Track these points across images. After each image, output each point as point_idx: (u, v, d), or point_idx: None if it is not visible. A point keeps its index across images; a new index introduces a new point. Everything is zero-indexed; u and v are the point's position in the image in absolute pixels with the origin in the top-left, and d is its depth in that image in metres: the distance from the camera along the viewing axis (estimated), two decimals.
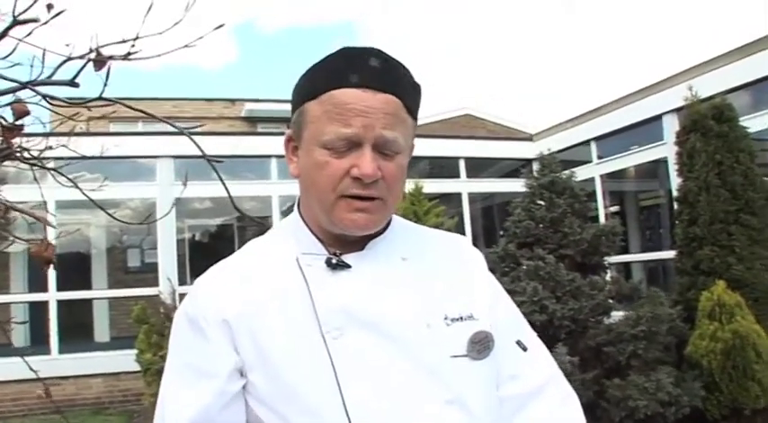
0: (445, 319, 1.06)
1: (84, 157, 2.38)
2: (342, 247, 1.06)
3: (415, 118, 1.09)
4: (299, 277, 1.04)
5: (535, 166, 5.12)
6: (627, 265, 9.23)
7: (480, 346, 1.07)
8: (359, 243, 1.07)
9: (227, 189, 1.83)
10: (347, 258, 1.05)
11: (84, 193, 2.12)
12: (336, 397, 0.97)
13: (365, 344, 1.00)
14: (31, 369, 2.21)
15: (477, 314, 1.09)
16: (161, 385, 1.06)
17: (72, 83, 1.46)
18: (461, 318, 1.07)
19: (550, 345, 4.25)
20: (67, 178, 2.13)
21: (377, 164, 1.00)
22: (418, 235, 1.19)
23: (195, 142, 1.86)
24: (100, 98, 1.51)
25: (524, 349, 1.16)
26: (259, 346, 1.00)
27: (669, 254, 6.43)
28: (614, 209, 10.83)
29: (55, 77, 1.47)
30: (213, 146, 2.27)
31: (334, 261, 1.04)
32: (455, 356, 1.04)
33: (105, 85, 1.48)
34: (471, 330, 1.07)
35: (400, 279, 1.07)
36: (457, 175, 10.13)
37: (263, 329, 1.01)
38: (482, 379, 1.07)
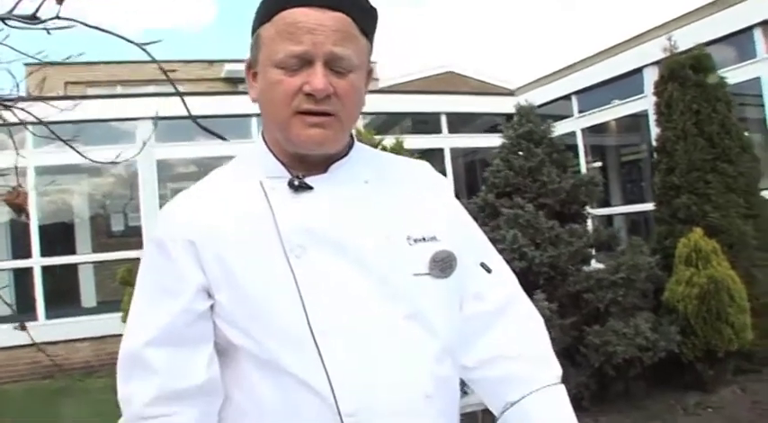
0: (408, 239, 1.09)
1: (49, 123, 2.34)
2: (305, 169, 1.08)
3: (370, 40, 1.09)
4: (262, 200, 1.06)
5: (515, 119, 5.13)
6: (609, 217, 9.35)
7: (443, 264, 1.10)
8: (321, 166, 1.09)
9: (185, 104, 1.82)
10: (310, 180, 1.07)
11: (63, 141, 2.11)
12: (300, 313, 1.00)
13: (327, 261, 1.03)
14: (31, 337, 2.22)
15: (440, 236, 1.12)
16: (129, 310, 1.09)
17: (32, 17, 1.45)
18: (424, 238, 1.10)
19: (530, 291, 4.29)
20: (48, 128, 2.11)
21: (328, 80, 1.01)
22: (382, 160, 1.22)
23: (184, 102, 1.86)
24: (57, 18, 1.50)
25: (488, 271, 1.19)
26: (224, 265, 1.03)
27: (650, 206, 6.52)
28: (596, 164, 10.90)
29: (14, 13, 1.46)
30: (196, 106, 2.26)
31: (296, 183, 1.06)
32: (417, 274, 1.07)
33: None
34: (434, 250, 1.10)
35: (363, 201, 1.09)
36: (439, 131, 10.14)
37: (228, 249, 1.03)
38: (443, 297, 1.10)
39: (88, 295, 10.22)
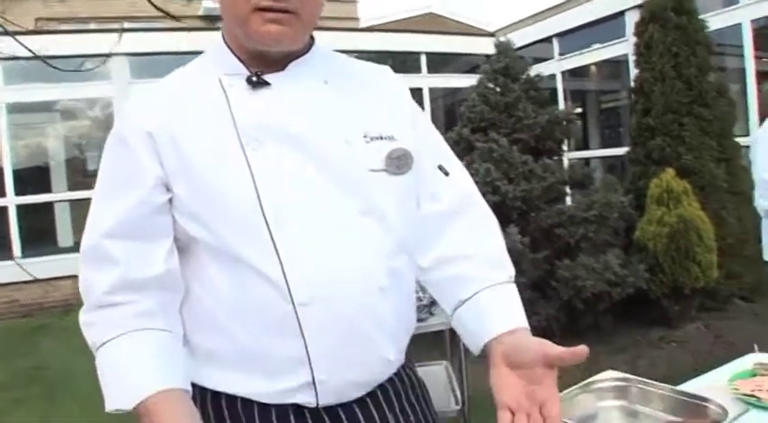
0: (365, 136, 1.10)
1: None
2: (263, 67, 1.09)
3: None
4: (221, 96, 1.08)
5: (493, 55, 5.10)
6: (587, 161, 9.42)
7: (398, 161, 1.11)
8: (280, 63, 1.10)
9: None
10: (268, 77, 1.08)
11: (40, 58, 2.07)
12: (255, 204, 1.02)
13: (283, 155, 1.05)
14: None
15: (397, 136, 1.13)
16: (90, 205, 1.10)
17: None
18: (381, 137, 1.12)
19: (503, 225, 4.37)
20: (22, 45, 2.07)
21: None
22: (343, 61, 1.22)
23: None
24: None
25: (446, 174, 1.21)
26: (182, 157, 1.04)
27: (626, 149, 6.58)
28: (576, 110, 10.92)
29: None
30: (172, 42, 2.21)
31: (254, 79, 1.07)
32: (373, 170, 1.09)
33: None
34: (390, 147, 1.12)
35: (321, 98, 1.10)
36: (418, 71, 10.06)
37: (186, 142, 1.04)
38: (399, 193, 1.12)
39: (65, 234, 10.15)
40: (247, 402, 1.09)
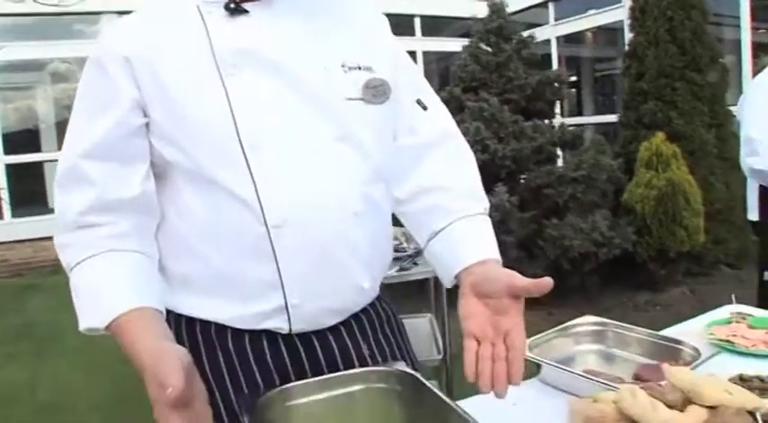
0: (343, 66, 1.10)
1: None
2: None
3: None
4: (199, 23, 1.06)
5: (486, 15, 5.05)
6: (580, 127, 9.40)
7: (375, 91, 1.11)
8: None
9: None
10: (247, 6, 1.07)
11: None
12: (231, 128, 1.02)
13: (260, 81, 1.04)
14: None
15: (375, 67, 1.13)
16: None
17: None
18: (359, 67, 1.11)
19: (491, 184, 4.44)
20: None
21: None
22: None
23: None
24: None
25: (424, 108, 1.22)
26: (159, 81, 1.03)
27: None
28: (571, 78, 10.87)
29: None
30: None
31: (232, 6, 1.06)
32: (350, 99, 1.09)
33: None
34: (368, 77, 1.11)
35: (300, 27, 1.09)
36: (412, 34, 9.96)
37: (163, 67, 1.03)
38: (375, 122, 1.12)
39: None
40: (221, 328, 1.10)
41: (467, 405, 0.95)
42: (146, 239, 1.10)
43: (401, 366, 1.09)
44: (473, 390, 0.93)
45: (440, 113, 1.26)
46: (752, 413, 1.04)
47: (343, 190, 1.08)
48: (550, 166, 4.90)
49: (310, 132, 1.06)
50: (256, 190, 1.03)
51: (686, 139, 5.43)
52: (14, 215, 8.34)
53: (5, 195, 8.23)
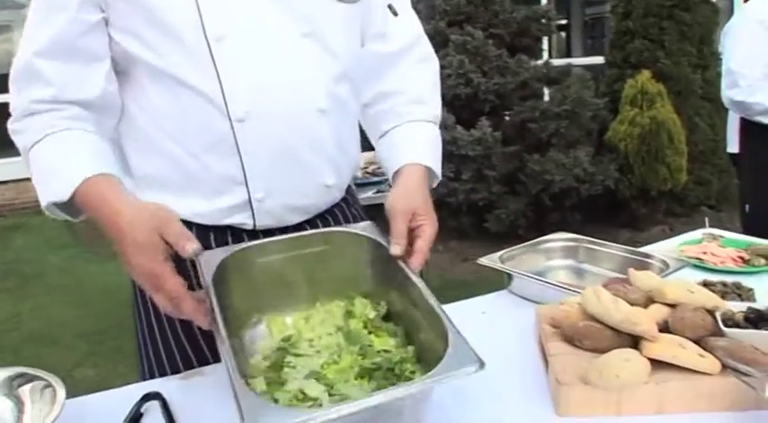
0: None
1: None
2: None
3: None
4: None
5: None
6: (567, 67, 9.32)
7: None
8: None
9: None
10: None
11: None
12: (196, 19, 1.00)
13: None
14: None
15: None
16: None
17: None
18: None
19: (475, 119, 4.43)
20: None
21: None
22: None
23: None
24: None
25: (395, 14, 1.21)
26: None
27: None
28: (561, 21, 10.74)
29: None
30: None
31: None
32: None
33: None
34: None
35: None
36: None
37: None
38: (344, 20, 1.12)
39: None
40: (186, 225, 1.10)
41: None
42: (104, 135, 1.08)
43: (365, 227, 1.10)
44: (443, 299, 0.95)
45: (409, 20, 1.26)
46: (711, 313, 1.06)
47: (308, 86, 1.07)
48: (534, 101, 4.87)
49: (277, 27, 1.04)
50: (220, 83, 1.02)
51: (672, 79, 5.40)
52: None
53: None
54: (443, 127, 4.19)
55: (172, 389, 1.08)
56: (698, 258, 1.60)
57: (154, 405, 1.06)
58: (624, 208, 5.12)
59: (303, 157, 1.09)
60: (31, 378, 0.94)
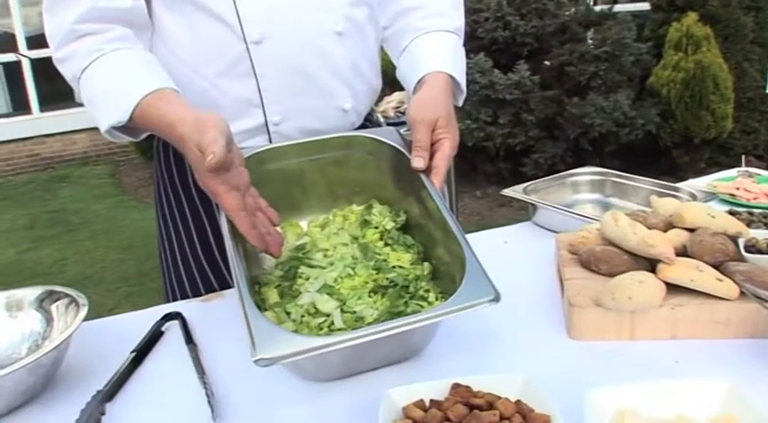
0: None
1: None
2: None
3: None
4: None
5: None
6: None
7: None
8: None
9: None
10: None
11: None
12: None
13: None
14: None
15: None
16: None
17: None
18: None
19: (512, 62, 4.33)
20: None
21: None
22: None
23: None
24: None
25: None
26: None
27: None
28: None
29: None
30: None
31: None
32: None
33: None
34: None
35: None
36: None
37: None
38: None
39: None
40: None
41: None
42: (145, 47, 1.07)
43: (388, 134, 1.07)
44: (465, 228, 0.94)
45: None
46: (734, 240, 1.03)
47: (325, 8, 1.06)
48: (573, 44, 4.73)
49: None
50: (235, 5, 1.01)
51: (721, 22, 5.17)
52: (42, 110, 8.39)
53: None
54: (480, 71, 4.15)
55: (192, 311, 1.12)
56: (730, 194, 1.55)
57: (174, 325, 1.09)
58: (665, 155, 4.98)
59: (319, 80, 1.09)
60: (60, 295, 0.99)
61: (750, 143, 5.42)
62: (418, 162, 0.97)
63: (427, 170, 0.98)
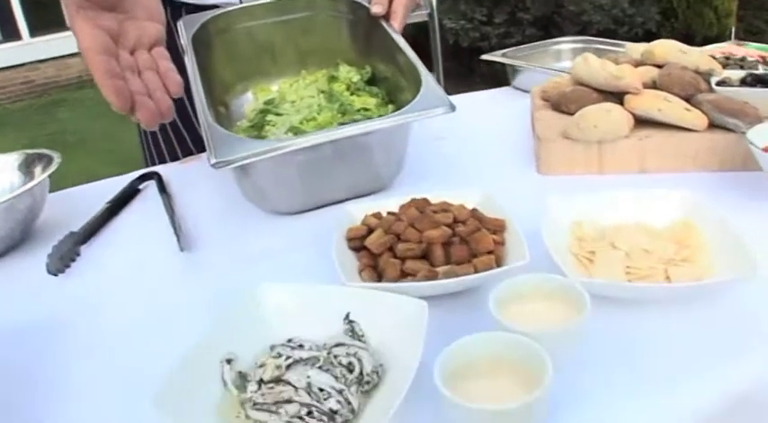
0: None
1: None
2: None
3: None
4: None
5: None
6: None
7: None
8: None
9: None
10: None
11: None
12: None
13: None
14: None
15: None
16: None
17: None
18: None
19: None
20: None
21: None
22: None
23: None
24: None
25: None
26: None
27: None
28: None
29: None
30: None
31: None
32: None
33: None
34: None
35: None
36: None
37: None
38: None
39: None
40: (174, 7, 1.09)
41: None
42: None
43: None
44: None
45: None
46: (707, 79, 1.02)
47: None
48: None
49: None
50: None
51: None
52: (33, 35, 8.23)
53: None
54: None
55: (170, 174, 1.12)
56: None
57: (152, 185, 1.10)
58: None
59: None
60: (41, 157, 1.09)
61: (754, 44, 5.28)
62: (377, 8, 0.98)
63: (386, 16, 0.99)
